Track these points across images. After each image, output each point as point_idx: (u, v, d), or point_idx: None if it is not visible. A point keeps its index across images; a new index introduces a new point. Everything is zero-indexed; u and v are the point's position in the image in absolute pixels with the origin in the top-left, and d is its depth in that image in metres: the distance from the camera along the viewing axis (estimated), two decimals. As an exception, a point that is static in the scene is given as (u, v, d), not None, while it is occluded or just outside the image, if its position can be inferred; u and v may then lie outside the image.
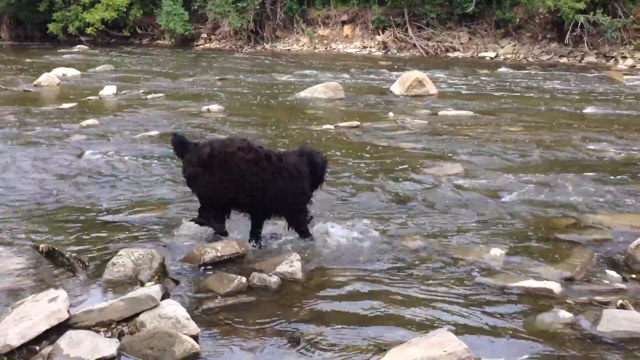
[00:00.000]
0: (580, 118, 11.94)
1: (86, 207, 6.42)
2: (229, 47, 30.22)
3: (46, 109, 12.48)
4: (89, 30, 31.47)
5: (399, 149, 9.15)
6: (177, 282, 4.61)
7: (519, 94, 15.20)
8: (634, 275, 4.84)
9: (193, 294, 4.47)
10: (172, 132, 6.09)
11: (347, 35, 29.01)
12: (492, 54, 24.99)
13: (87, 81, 17.28)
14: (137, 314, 3.87)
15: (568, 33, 22.99)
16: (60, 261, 4.82)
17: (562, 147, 9.26)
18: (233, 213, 5.44)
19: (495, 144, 9.47)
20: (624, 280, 4.75)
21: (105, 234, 5.62)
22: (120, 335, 3.75)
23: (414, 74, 15.46)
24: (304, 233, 5.43)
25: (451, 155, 8.76)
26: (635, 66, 21.57)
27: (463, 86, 16.69)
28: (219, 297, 4.42)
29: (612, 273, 4.83)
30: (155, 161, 8.33)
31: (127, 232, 5.65)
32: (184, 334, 3.68)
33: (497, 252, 5.13)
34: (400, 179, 7.47)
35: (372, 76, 18.91)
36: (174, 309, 3.88)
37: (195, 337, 3.73)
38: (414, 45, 26.69)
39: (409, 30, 26.99)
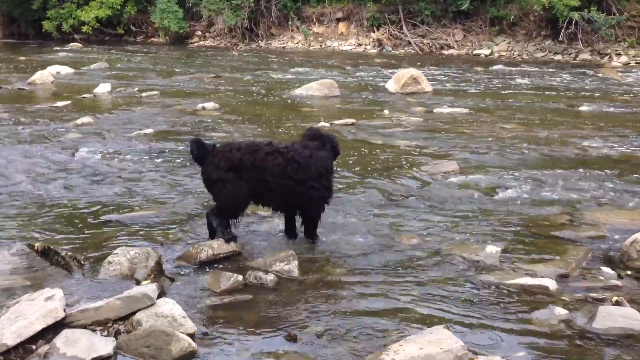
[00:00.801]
0: (574, 115, 11.98)
1: (81, 205, 6.41)
2: (223, 45, 30.16)
3: (40, 107, 12.44)
4: (83, 28, 31.35)
5: (394, 147, 9.15)
6: (173, 281, 4.60)
7: (513, 91, 15.23)
8: (629, 272, 4.86)
9: (189, 293, 4.46)
10: (195, 135, 5.96)
11: (342, 33, 28.99)
12: (487, 52, 25.02)
13: (81, 79, 17.22)
14: (134, 313, 3.87)
15: (562, 30, 23.03)
16: (55, 260, 4.81)
17: (557, 144, 9.29)
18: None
19: (491, 141, 9.49)
20: (619, 277, 4.77)
21: (100, 233, 5.61)
22: (117, 334, 3.74)
23: (409, 72, 15.46)
24: (315, 232, 5.41)
25: (447, 152, 8.77)
26: (629, 63, 21.64)
27: (458, 84, 16.72)
28: (216, 295, 4.41)
29: (607, 270, 4.86)
30: (150, 159, 8.31)
31: (122, 231, 5.64)
32: (181, 332, 3.68)
33: (492, 249, 5.15)
34: (395, 177, 7.48)
35: (367, 73, 18.91)
36: (170, 307, 3.88)
37: (191, 336, 3.73)
38: (409, 42, 26.71)
39: (404, 27, 27.00)
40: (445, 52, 25.90)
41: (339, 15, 29.12)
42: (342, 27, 29.05)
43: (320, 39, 29.18)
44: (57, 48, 27.58)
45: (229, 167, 5.04)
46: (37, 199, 6.59)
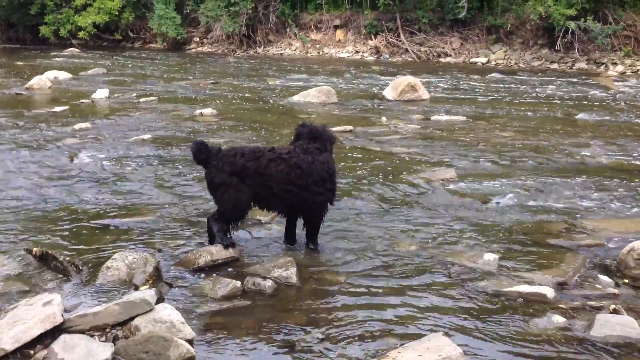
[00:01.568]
0: (571, 124, 12.02)
1: (79, 210, 6.40)
2: (221, 51, 30.19)
3: (38, 112, 12.42)
4: (80, 34, 31.36)
5: (392, 154, 9.17)
6: (171, 286, 4.60)
7: (510, 100, 15.28)
8: (626, 280, 4.88)
9: (188, 298, 4.46)
10: (193, 140, 5.88)
11: (339, 40, 29.06)
12: (484, 60, 25.09)
13: (79, 84, 17.22)
14: (132, 318, 3.86)
15: (559, 39, 23.12)
16: (53, 265, 4.80)
17: (554, 153, 9.32)
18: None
19: (488, 149, 9.52)
20: (617, 285, 4.79)
21: (99, 238, 5.61)
22: (115, 340, 3.74)
23: (407, 79, 15.50)
24: (316, 235, 5.42)
25: (444, 160, 8.79)
26: (625, 72, 21.73)
27: (455, 91, 16.77)
28: (214, 301, 4.41)
29: (605, 278, 4.87)
30: (148, 165, 8.31)
31: (121, 236, 5.64)
32: (179, 338, 3.68)
33: (490, 257, 5.16)
34: (393, 184, 7.49)
35: (364, 81, 18.96)
36: (168, 313, 3.87)
37: (190, 341, 3.73)
38: (406, 50, 26.77)
39: (401, 35, 27.07)
40: (442, 59, 25.97)
41: (337, 22, 29.19)
42: (339, 34, 29.12)
43: (317, 46, 29.24)
44: (55, 53, 27.57)
45: (233, 172, 5.06)
46: (35, 204, 6.58)
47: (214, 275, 4.79)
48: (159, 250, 5.29)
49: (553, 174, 8.06)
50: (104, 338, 3.76)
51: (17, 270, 4.76)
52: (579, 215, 6.42)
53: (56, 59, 25.29)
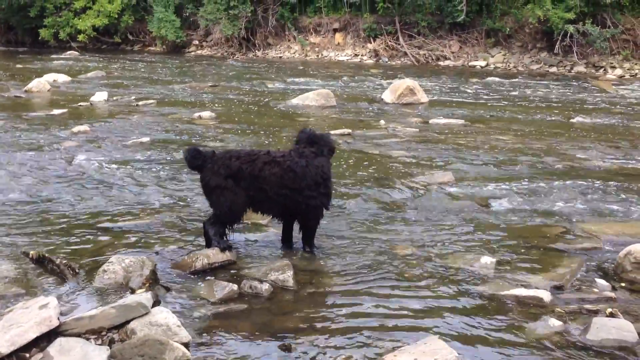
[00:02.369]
0: (569, 127, 12.03)
1: (76, 213, 6.40)
2: (220, 54, 30.22)
3: (37, 115, 12.43)
4: (80, 37, 31.39)
5: (390, 157, 9.18)
6: (168, 289, 4.60)
7: (509, 103, 15.30)
8: (623, 284, 4.89)
9: (184, 301, 4.46)
10: (186, 147, 5.88)
11: (338, 43, 29.09)
12: (483, 63, 25.13)
13: (78, 87, 17.23)
14: (128, 321, 3.85)
15: (557, 43, 23.17)
16: (50, 268, 4.80)
17: (552, 156, 9.33)
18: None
19: (486, 152, 9.53)
20: (613, 288, 4.80)
21: (95, 241, 5.61)
22: (111, 343, 3.73)
23: (405, 82, 15.52)
24: (312, 239, 5.42)
25: (442, 163, 8.80)
26: (624, 76, 21.76)
27: (454, 94, 16.78)
28: (210, 304, 4.41)
29: (602, 281, 4.88)
30: (146, 168, 8.31)
31: (118, 239, 5.64)
32: (175, 341, 3.67)
33: (487, 260, 5.16)
34: (391, 187, 7.50)
35: (363, 84, 18.98)
36: (165, 316, 3.87)
37: (186, 345, 3.72)
38: (405, 53, 26.80)
39: (400, 38, 27.11)
40: (441, 63, 26.01)
41: (336, 25, 29.23)
42: (338, 37, 29.16)
43: (317, 49, 29.27)
44: (54, 56, 27.58)
45: (228, 175, 5.07)
46: (32, 207, 6.58)
47: (210, 278, 4.79)
48: (156, 254, 5.29)
49: (550, 177, 8.06)
50: (100, 341, 3.75)
51: (13, 273, 4.75)
52: (576, 219, 6.42)
53: (55, 61, 25.29)
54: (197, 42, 32.11)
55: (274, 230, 5.87)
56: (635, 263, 4.94)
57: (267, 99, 15.42)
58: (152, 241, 5.60)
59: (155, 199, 6.96)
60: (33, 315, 3.70)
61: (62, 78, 18.30)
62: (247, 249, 5.51)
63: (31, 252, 4.94)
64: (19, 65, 23.45)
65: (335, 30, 29.29)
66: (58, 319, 3.76)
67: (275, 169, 5.09)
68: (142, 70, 22.65)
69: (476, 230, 6.03)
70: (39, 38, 33.23)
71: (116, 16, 31.49)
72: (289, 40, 30.08)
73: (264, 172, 5.08)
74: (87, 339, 3.73)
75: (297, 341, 3.94)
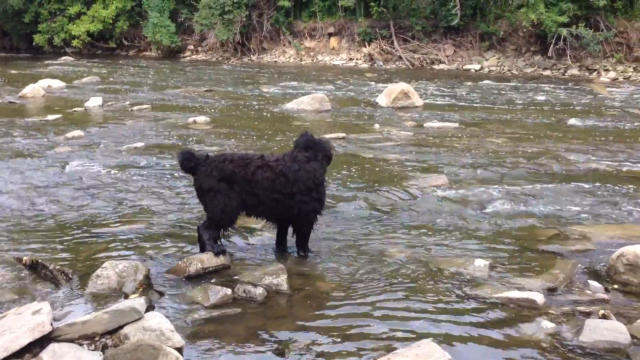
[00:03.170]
0: (563, 130, 12.07)
1: (70, 218, 6.39)
2: (215, 59, 30.25)
3: (31, 121, 12.41)
4: (74, 42, 31.38)
5: (385, 161, 9.19)
6: (161, 294, 4.60)
7: (503, 106, 15.35)
8: (615, 286, 4.90)
9: (178, 306, 4.45)
10: (179, 150, 5.89)
11: (333, 47, 29.15)
12: (477, 66, 25.21)
13: (72, 93, 17.22)
14: (121, 327, 3.84)
15: (551, 46, 23.27)
16: (43, 273, 4.79)
17: (546, 159, 9.36)
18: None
19: (480, 156, 9.55)
20: (606, 290, 4.81)
21: (89, 246, 5.60)
22: (104, 348, 3.72)
23: (400, 86, 15.56)
24: (306, 243, 5.42)
25: (436, 166, 8.82)
26: (617, 79, 21.86)
27: (448, 98, 16.83)
28: (204, 309, 4.41)
29: (595, 283, 4.89)
30: (140, 173, 8.31)
31: (111, 244, 5.63)
32: (169, 346, 3.66)
33: (481, 263, 5.17)
34: (385, 190, 7.51)
35: (358, 88, 19.01)
36: (158, 321, 3.86)
37: (179, 350, 3.72)
38: (400, 57, 26.88)
39: (395, 42, 27.19)
40: (435, 66, 26.08)
41: (331, 30, 29.30)
42: (333, 41, 29.22)
43: (311, 53, 29.32)
44: (49, 62, 27.57)
45: (221, 178, 5.07)
46: (26, 212, 6.57)
47: (204, 283, 4.79)
48: (150, 258, 5.28)
49: (544, 180, 8.09)
50: (93, 347, 3.74)
51: (6, 279, 4.74)
52: (569, 221, 6.44)
53: (50, 67, 25.28)
54: (192, 47, 32.16)
55: (268, 235, 5.87)
56: (628, 265, 4.96)
57: (262, 104, 15.43)
58: (146, 246, 5.59)
59: (149, 203, 6.95)
60: (26, 321, 3.69)
61: (57, 84, 18.29)
62: (241, 253, 5.52)
63: (24, 258, 4.93)
64: (13, 71, 23.43)
65: (330, 35, 29.36)
66: (51, 324, 3.75)
67: (267, 173, 5.10)
68: (137, 75, 22.65)
69: (470, 233, 6.05)
70: (34, 44, 33.25)
71: (111, 21, 31.52)
72: (284, 45, 30.13)
73: (256, 176, 5.09)
74: (81, 345, 3.71)
75: (291, 345, 3.94)
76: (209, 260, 5.02)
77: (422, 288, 4.80)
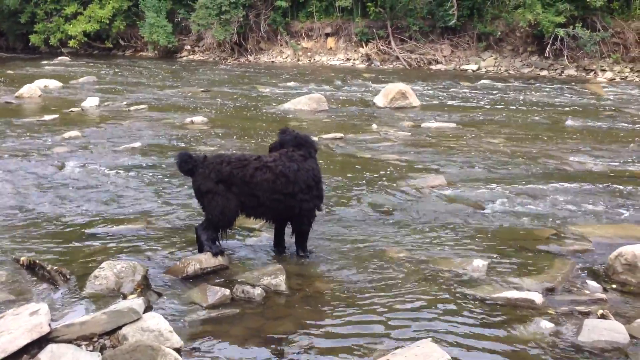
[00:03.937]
0: (560, 130, 12.09)
1: (68, 219, 6.37)
2: (212, 59, 30.22)
3: (27, 121, 12.37)
4: (71, 43, 31.32)
5: (382, 161, 9.19)
6: (160, 295, 4.58)
7: (500, 106, 15.36)
8: (614, 286, 4.91)
9: (176, 307, 4.44)
10: (177, 152, 5.87)
11: (330, 48, 29.15)
12: (474, 67, 25.22)
13: (69, 93, 17.18)
14: (120, 327, 3.84)
15: (548, 46, 23.30)
16: (41, 274, 4.78)
17: (543, 159, 9.37)
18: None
19: (478, 156, 9.55)
20: (605, 290, 4.81)
21: (87, 247, 5.58)
22: (102, 349, 3.71)
23: (397, 86, 15.56)
24: (305, 242, 5.42)
25: (434, 166, 8.82)
26: (614, 79, 21.89)
27: (445, 98, 16.83)
28: (203, 309, 4.40)
29: (593, 283, 4.89)
30: (138, 173, 8.29)
31: (109, 245, 5.61)
32: (167, 346, 3.66)
33: (479, 263, 5.17)
34: (383, 191, 7.51)
35: (355, 88, 19.01)
36: (156, 321, 3.86)
37: (178, 350, 3.71)
38: (397, 57, 26.87)
39: (392, 42, 27.18)
40: (433, 67, 26.09)
41: (328, 30, 29.29)
42: (330, 42, 29.21)
43: (309, 53, 29.31)
44: (45, 62, 27.51)
45: (219, 179, 5.06)
46: (23, 213, 6.55)
47: (203, 283, 4.77)
48: (148, 259, 5.27)
49: (542, 180, 8.10)
50: (91, 347, 3.73)
51: (3, 280, 4.72)
52: (567, 221, 6.44)
53: (46, 67, 25.23)
54: (189, 47, 32.12)
55: (267, 235, 5.87)
56: (626, 265, 4.97)
57: (259, 104, 15.42)
58: (144, 246, 5.58)
59: (146, 204, 6.94)
60: (24, 322, 3.68)
61: (54, 84, 18.25)
62: (239, 253, 5.50)
63: (22, 258, 4.92)
64: (9, 71, 23.36)
65: (327, 35, 29.35)
66: (49, 325, 3.74)
67: (267, 175, 5.09)
68: (134, 75, 22.61)
69: (468, 233, 6.04)
70: (30, 44, 33.18)
71: (107, 22, 31.48)
72: (281, 45, 30.11)
73: (255, 178, 5.08)
74: (79, 345, 3.70)
75: (290, 346, 3.93)
76: (207, 260, 5.01)
77: (420, 288, 4.80)
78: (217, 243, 5.20)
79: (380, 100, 15.13)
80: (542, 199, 7.20)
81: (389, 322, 4.25)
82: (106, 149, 9.76)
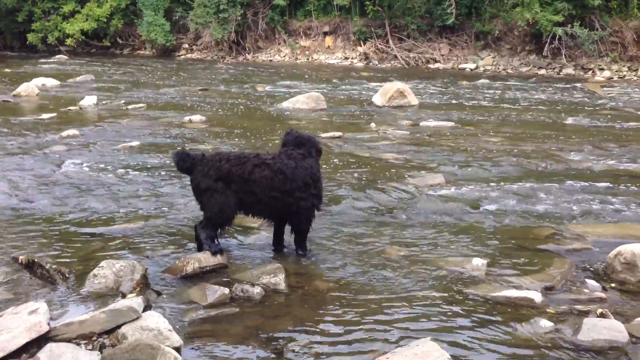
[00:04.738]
0: (559, 129, 12.09)
1: (66, 218, 6.36)
2: (210, 58, 30.19)
3: (25, 120, 12.36)
4: (68, 41, 31.26)
5: (381, 160, 9.19)
6: (159, 294, 4.58)
7: (499, 105, 15.36)
8: (613, 284, 4.91)
9: (175, 306, 4.43)
10: (175, 150, 5.87)
11: (328, 46, 29.14)
12: (472, 66, 25.24)
13: (67, 91, 17.15)
14: (119, 326, 3.83)
15: (546, 45, 23.32)
16: (40, 273, 4.77)
17: (542, 158, 9.37)
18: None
19: (476, 155, 9.56)
20: (604, 289, 4.82)
21: (86, 246, 5.57)
22: (102, 348, 3.71)
23: (396, 85, 15.56)
24: (304, 241, 5.41)
25: (432, 165, 8.82)
26: (612, 78, 21.92)
27: (444, 97, 16.84)
28: (202, 308, 4.39)
29: (592, 282, 4.90)
30: (136, 172, 8.28)
31: (108, 244, 5.60)
32: (167, 345, 3.65)
33: (478, 262, 5.17)
34: (382, 189, 7.50)
35: (353, 87, 19.00)
36: (156, 320, 3.85)
37: (177, 349, 3.70)
38: (395, 56, 26.88)
39: (390, 41, 27.19)
40: (431, 66, 26.09)
41: (326, 29, 29.28)
42: (328, 40, 29.20)
43: (307, 52, 29.30)
44: (43, 60, 27.46)
45: (218, 177, 5.06)
46: (21, 212, 6.53)
47: (202, 282, 4.76)
48: (147, 258, 5.26)
49: (541, 179, 8.10)
50: (90, 346, 3.72)
51: (2, 278, 4.71)
52: (566, 220, 6.45)
53: (44, 66, 25.18)
54: (187, 46, 32.09)
55: (266, 233, 5.86)
56: (625, 263, 4.97)
57: (257, 103, 15.41)
58: (143, 245, 5.57)
59: (145, 203, 6.93)
60: (23, 321, 3.67)
61: (51, 82, 18.22)
62: (238, 252, 5.50)
63: (20, 257, 4.90)
64: (7, 70, 23.32)
65: (325, 34, 29.34)
66: (48, 324, 3.73)
67: (265, 172, 5.09)
68: (132, 74, 22.57)
69: (467, 232, 6.04)
70: (27, 42, 33.10)
71: (105, 20, 31.42)
72: (279, 44, 30.09)
73: (254, 175, 5.08)
74: (78, 344, 3.69)
75: (289, 345, 3.93)
76: (206, 259, 5.00)
77: (419, 287, 4.80)
78: (216, 242, 5.19)
79: (378, 99, 15.13)
80: (541, 198, 7.20)
81: (388, 321, 4.25)
82: (104, 148, 9.75)
